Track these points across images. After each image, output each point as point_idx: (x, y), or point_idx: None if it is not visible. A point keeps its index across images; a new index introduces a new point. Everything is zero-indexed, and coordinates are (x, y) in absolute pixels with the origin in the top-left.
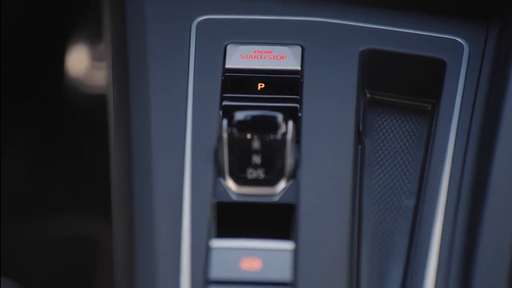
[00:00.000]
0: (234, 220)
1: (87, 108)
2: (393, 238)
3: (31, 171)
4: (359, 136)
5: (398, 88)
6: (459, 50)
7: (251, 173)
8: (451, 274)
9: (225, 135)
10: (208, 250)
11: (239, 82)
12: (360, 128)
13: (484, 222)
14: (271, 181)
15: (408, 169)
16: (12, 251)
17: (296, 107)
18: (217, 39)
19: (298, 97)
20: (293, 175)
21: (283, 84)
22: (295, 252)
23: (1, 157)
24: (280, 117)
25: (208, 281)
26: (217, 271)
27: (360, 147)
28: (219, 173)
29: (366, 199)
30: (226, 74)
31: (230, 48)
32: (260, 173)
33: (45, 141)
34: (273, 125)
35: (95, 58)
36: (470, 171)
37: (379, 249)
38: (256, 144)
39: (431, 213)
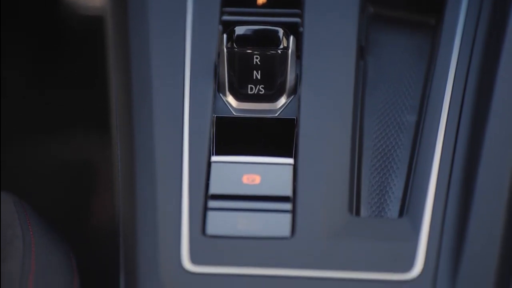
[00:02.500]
0: (234, 136)
1: (85, 28)
2: (394, 154)
3: (30, 92)
4: (362, 52)
5: (401, 2)
6: None
7: (251, 89)
8: (452, 189)
9: (225, 50)
10: (208, 165)
11: None
12: (363, 43)
13: (487, 136)
14: (272, 97)
15: (411, 85)
16: (12, 171)
17: (298, 22)
18: None
19: (300, 11)
20: (294, 91)
21: None
22: (295, 168)
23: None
24: (281, 31)
25: (208, 196)
26: (217, 186)
27: (362, 63)
28: (219, 88)
29: (367, 115)
30: None
31: None
32: (260, 89)
33: (44, 62)
34: (273, 40)
35: None
36: (473, 85)
37: (379, 165)
38: (256, 59)
39: (433, 128)
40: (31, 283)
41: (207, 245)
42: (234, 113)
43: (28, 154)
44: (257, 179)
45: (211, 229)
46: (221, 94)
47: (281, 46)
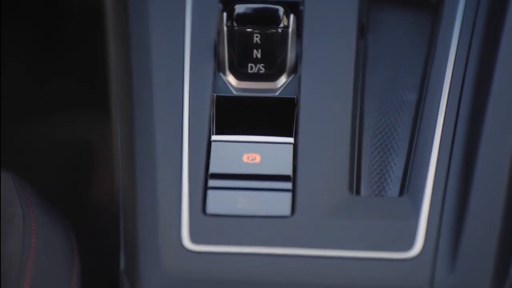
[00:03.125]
0: (234, 115)
1: (84, 8)
2: (395, 133)
3: (30, 77)
4: (362, 31)
5: None
6: None
7: (252, 68)
8: (452, 168)
9: (225, 29)
10: (208, 144)
11: None
12: (363, 23)
13: (487, 115)
14: (272, 76)
15: (412, 64)
16: (12, 151)
17: (298, 0)
18: None
19: None
20: (294, 70)
21: None
22: (295, 147)
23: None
24: (281, 10)
25: (208, 175)
26: (217, 165)
27: (363, 42)
28: (219, 67)
29: (368, 94)
30: None
31: None
32: (260, 68)
33: (44, 40)
34: (274, 19)
35: None
36: (474, 64)
37: (380, 144)
38: (256, 38)
39: (434, 107)
40: (31, 261)
41: (207, 224)
42: (234, 92)
43: (28, 134)
44: (257, 158)
45: (211, 208)
46: (221, 73)
47: (282, 25)
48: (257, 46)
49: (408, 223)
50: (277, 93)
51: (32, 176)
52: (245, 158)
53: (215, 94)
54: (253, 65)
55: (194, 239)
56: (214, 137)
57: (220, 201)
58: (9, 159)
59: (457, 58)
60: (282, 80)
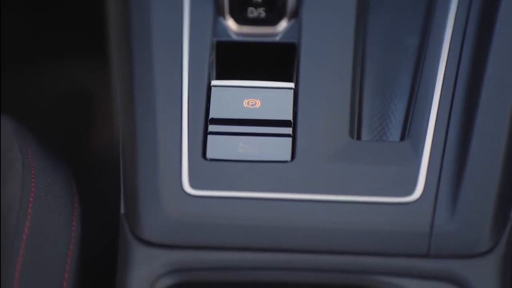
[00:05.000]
0: (234, 60)
1: None
2: (396, 79)
3: (30, 19)
4: None
5: None
6: None
7: (252, 12)
8: (454, 113)
9: None
10: (208, 89)
11: None
12: None
13: (490, 58)
14: (272, 20)
15: (414, 8)
16: (11, 99)
17: None
18: None
19: None
20: (295, 14)
21: None
22: (296, 92)
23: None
24: None
25: (209, 120)
26: (217, 110)
27: None
28: (219, 12)
29: (370, 40)
30: None
31: None
32: (261, 12)
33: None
34: None
35: None
36: (477, 7)
37: (381, 89)
38: None
39: (436, 52)
40: (31, 205)
41: (207, 169)
42: (235, 37)
43: (27, 84)
44: (257, 103)
45: (211, 153)
46: (221, 18)
47: None
48: None
49: (409, 168)
50: (277, 38)
51: (32, 125)
52: (245, 103)
53: (215, 39)
54: (253, 9)
55: (194, 184)
56: (214, 82)
57: (220, 146)
58: (8, 108)
59: (460, 1)
60: (283, 24)
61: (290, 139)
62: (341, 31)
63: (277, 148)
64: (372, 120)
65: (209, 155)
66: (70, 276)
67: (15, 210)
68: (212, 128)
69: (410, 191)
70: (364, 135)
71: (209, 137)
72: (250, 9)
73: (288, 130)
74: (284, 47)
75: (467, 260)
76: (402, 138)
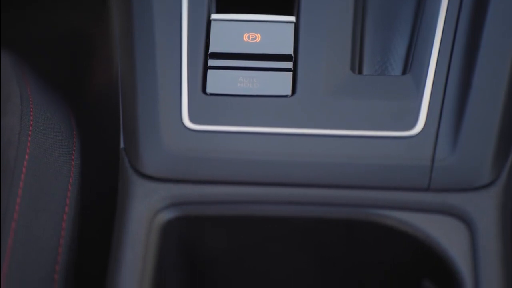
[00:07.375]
0: None
1: None
2: (399, 13)
3: None
4: None
5: None
6: None
7: None
8: (456, 46)
9: None
10: (208, 23)
11: None
12: None
13: None
14: None
15: None
16: (10, 39)
17: None
18: None
19: None
20: None
21: None
22: (296, 26)
23: None
24: None
25: (208, 54)
26: (217, 44)
27: None
28: None
29: None
30: None
31: None
32: None
33: None
34: None
35: None
36: None
37: (383, 23)
38: None
39: None
40: (30, 138)
41: (207, 104)
42: None
43: (26, 23)
44: (258, 37)
45: (211, 87)
46: None
47: None
48: None
49: (411, 102)
50: None
51: (31, 64)
52: (245, 37)
53: None
54: None
55: (193, 118)
56: (214, 16)
57: (220, 81)
58: (7, 47)
59: None
60: None
61: (290, 74)
62: None
63: (278, 82)
64: (374, 54)
65: (209, 89)
66: (70, 209)
67: (14, 143)
68: (212, 62)
69: (412, 125)
70: (366, 69)
71: (209, 71)
72: None
73: (289, 65)
74: None
75: (468, 193)
76: (404, 72)
